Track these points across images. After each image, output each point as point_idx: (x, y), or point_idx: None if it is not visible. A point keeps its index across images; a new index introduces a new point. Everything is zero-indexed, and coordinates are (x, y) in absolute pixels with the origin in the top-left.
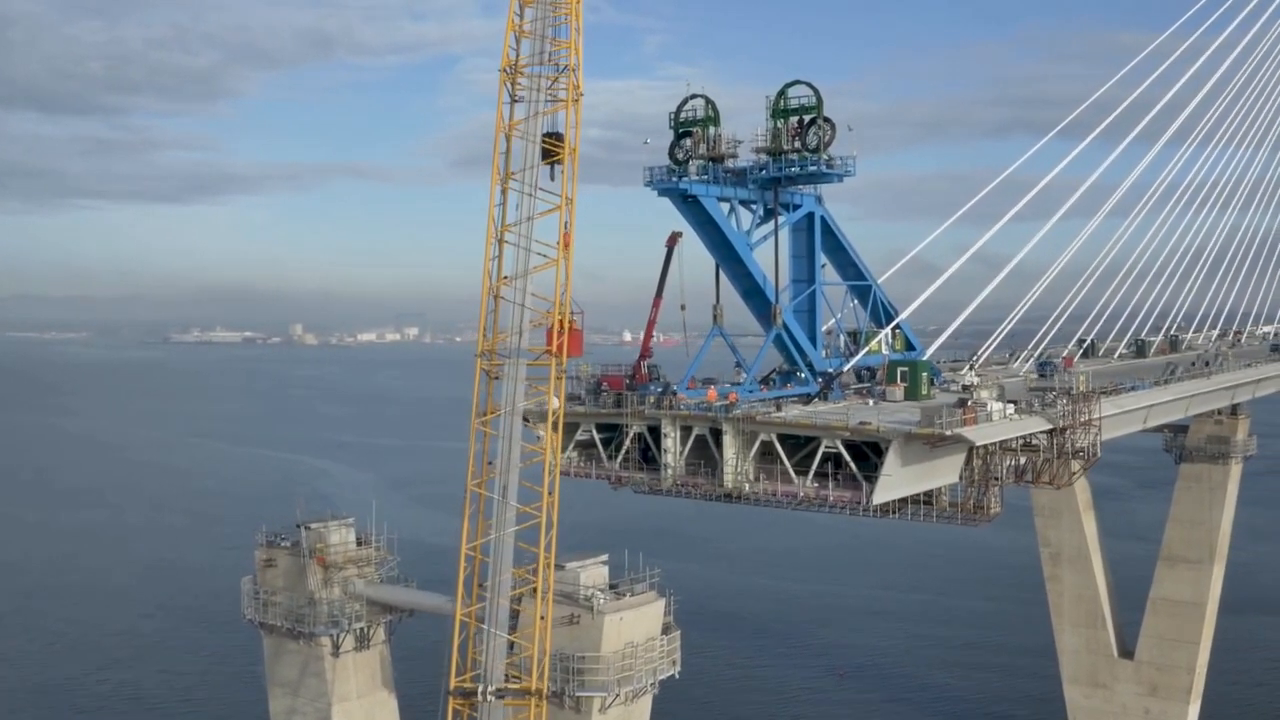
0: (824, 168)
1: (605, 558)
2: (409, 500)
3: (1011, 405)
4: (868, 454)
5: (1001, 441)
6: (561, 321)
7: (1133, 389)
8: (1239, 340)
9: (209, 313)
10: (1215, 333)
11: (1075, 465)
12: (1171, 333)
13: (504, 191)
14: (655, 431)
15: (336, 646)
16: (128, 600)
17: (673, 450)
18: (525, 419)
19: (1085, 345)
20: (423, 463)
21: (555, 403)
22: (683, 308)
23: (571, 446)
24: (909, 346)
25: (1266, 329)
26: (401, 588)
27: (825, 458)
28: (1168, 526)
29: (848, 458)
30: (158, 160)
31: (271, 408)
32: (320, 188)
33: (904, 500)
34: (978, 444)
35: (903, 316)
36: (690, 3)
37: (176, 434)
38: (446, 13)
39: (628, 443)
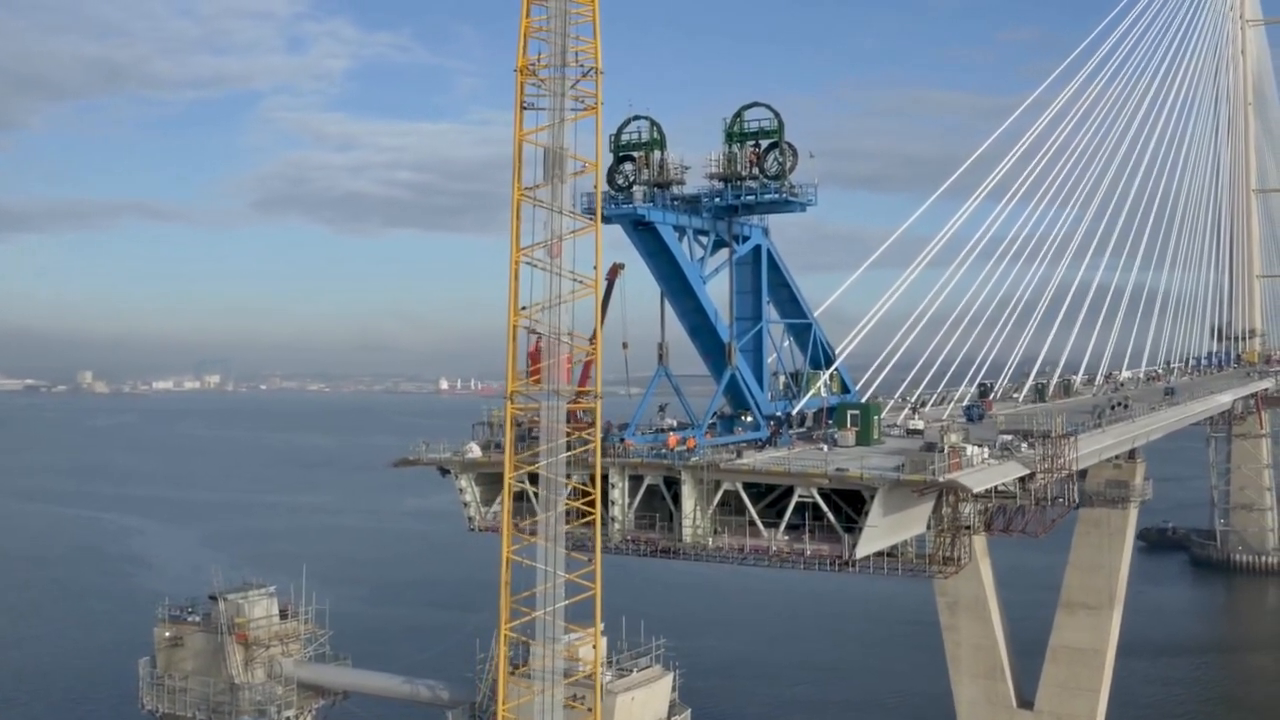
0: (788, 195)
1: (600, 628)
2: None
3: (985, 449)
4: (840, 504)
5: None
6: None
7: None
8: (1122, 385)
9: None
10: (1101, 377)
11: (1053, 512)
12: (1066, 378)
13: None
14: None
15: None
16: None
17: (620, 502)
18: (444, 470)
19: (984, 389)
20: (248, 518)
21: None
22: (625, 346)
23: (500, 500)
24: (845, 389)
25: (1126, 373)
26: (335, 667)
27: (797, 508)
28: (1067, 572)
29: (825, 508)
30: None
31: (64, 460)
32: (111, 227)
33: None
34: (975, 490)
35: (841, 359)
36: (503, 46)
37: None
38: (248, 47)
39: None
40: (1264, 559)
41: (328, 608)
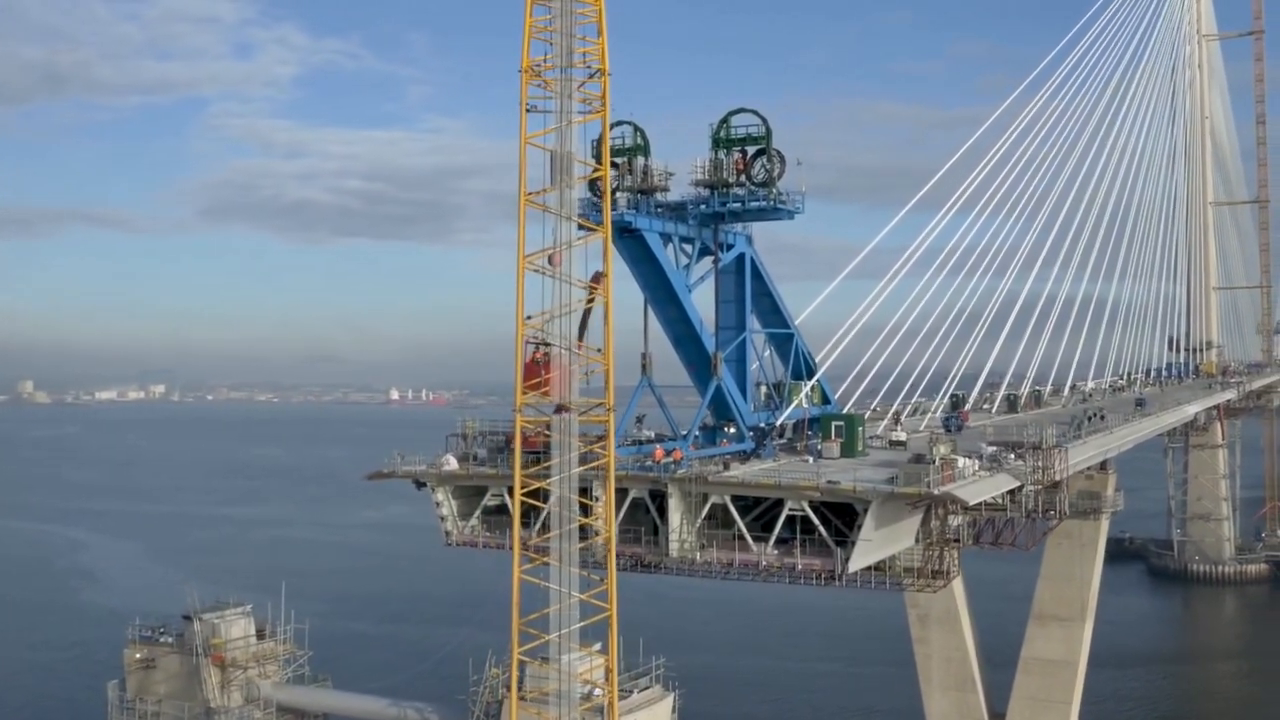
0: (776, 203)
1: (599, 646)
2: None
3: (975, 461)
4: (830, 518)
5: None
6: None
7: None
8: (1089, 396)
9: None
10: (1068, 388)
11: (1044, 525)
12: (1035, 389)
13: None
14: (583, 495)
15: None
16: None
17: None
18: (420, 483)
19: (956, 401)
20: (201, 532)
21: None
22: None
23: (478, 514)
24: (825, 400)
25: (1091, 384)
26: (316, 689)
27: (786, 522)
28: (1039, 584)
29: (816, 521)
30: None
31: (4, 472)
32: (54, 235)
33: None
34: (970, 503)
35: (824, 369)
36: (455, 54)
37: None
38: (195, 53)
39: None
40: (1220, 568)
41: (307, 627)
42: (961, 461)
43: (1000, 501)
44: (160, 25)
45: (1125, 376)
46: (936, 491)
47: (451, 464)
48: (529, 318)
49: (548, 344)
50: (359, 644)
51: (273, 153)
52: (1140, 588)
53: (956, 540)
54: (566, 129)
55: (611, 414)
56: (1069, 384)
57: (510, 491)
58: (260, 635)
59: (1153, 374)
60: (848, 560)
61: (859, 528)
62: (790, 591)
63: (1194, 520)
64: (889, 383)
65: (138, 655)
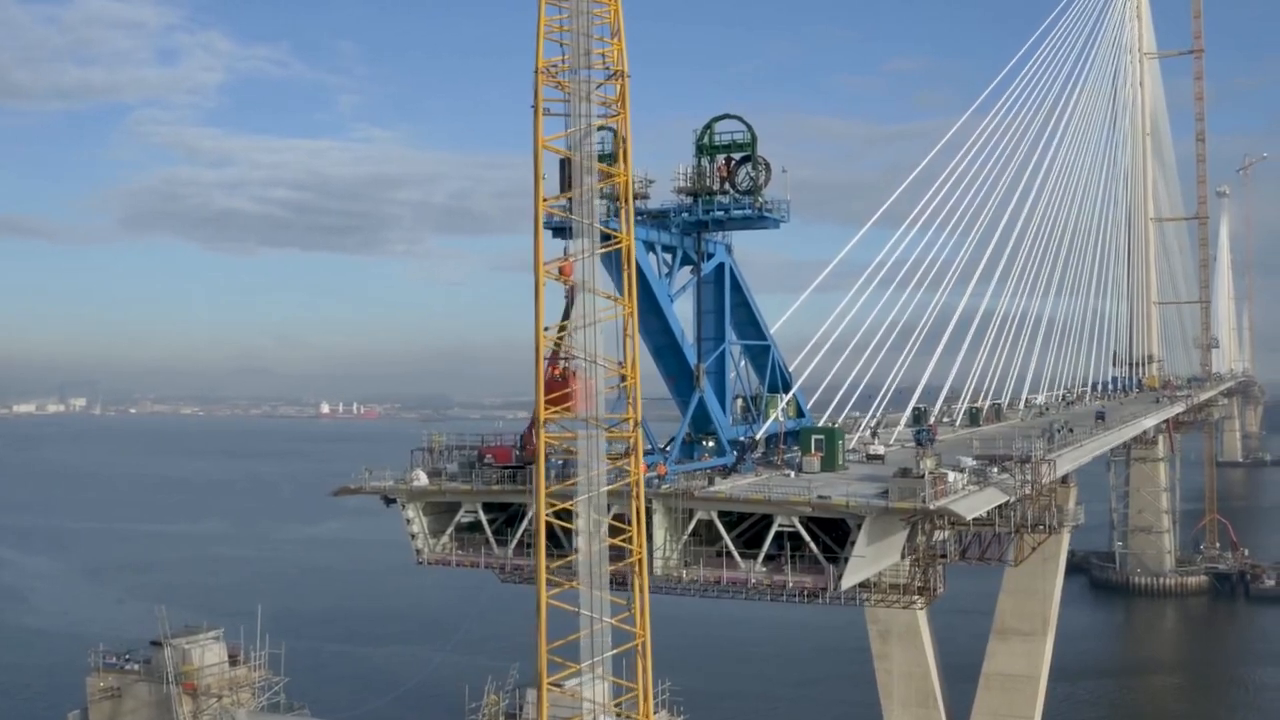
0: (763, 212)
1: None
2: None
3: (963, 475)
4: (818, 533)
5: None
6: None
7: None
8: (1045, 410)
9: None
10: (1023, 403)
11: (1034, 539)
12: (995, 403)
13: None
14: (563, 512)
15: None
16: None
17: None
18: (390, 499)
19: (918, 414)
20: (133, 549)
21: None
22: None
23: (451, 531)
24: (799, 413)
25: (1040, 398)
26: (293, 717)
27: (775, 538)
28: (1000, 599)
29: (806, 537)
30: None
31: None
32: None
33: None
34: (968, 518)
35: (800, 382)
36: (386, 63)
37: None
38: (117, 58)
39: (526, 525)
40: (1161, 581)
41: (283, 651)
42: (952, 475)
43: (987, 516)
44: (81, 29)
45: (1074, 390)
46: (932, 506)
47: (422, 479)
48: (545, 329)
49: (567, 358)
50: (329, 667)
51: (198, 161)
52: (1084, 600)
53: (943, 556)
54: (585, 132)
55: (638, 429)
56: (1023, 398)
57: (486, 508)
58: (233, 661)
59: (1099, 388)
60: (840, 577)
61: (852, 543)
62: (743, 607)
63: (1135, 533)
64: (838, 395)
65: (102, 684)
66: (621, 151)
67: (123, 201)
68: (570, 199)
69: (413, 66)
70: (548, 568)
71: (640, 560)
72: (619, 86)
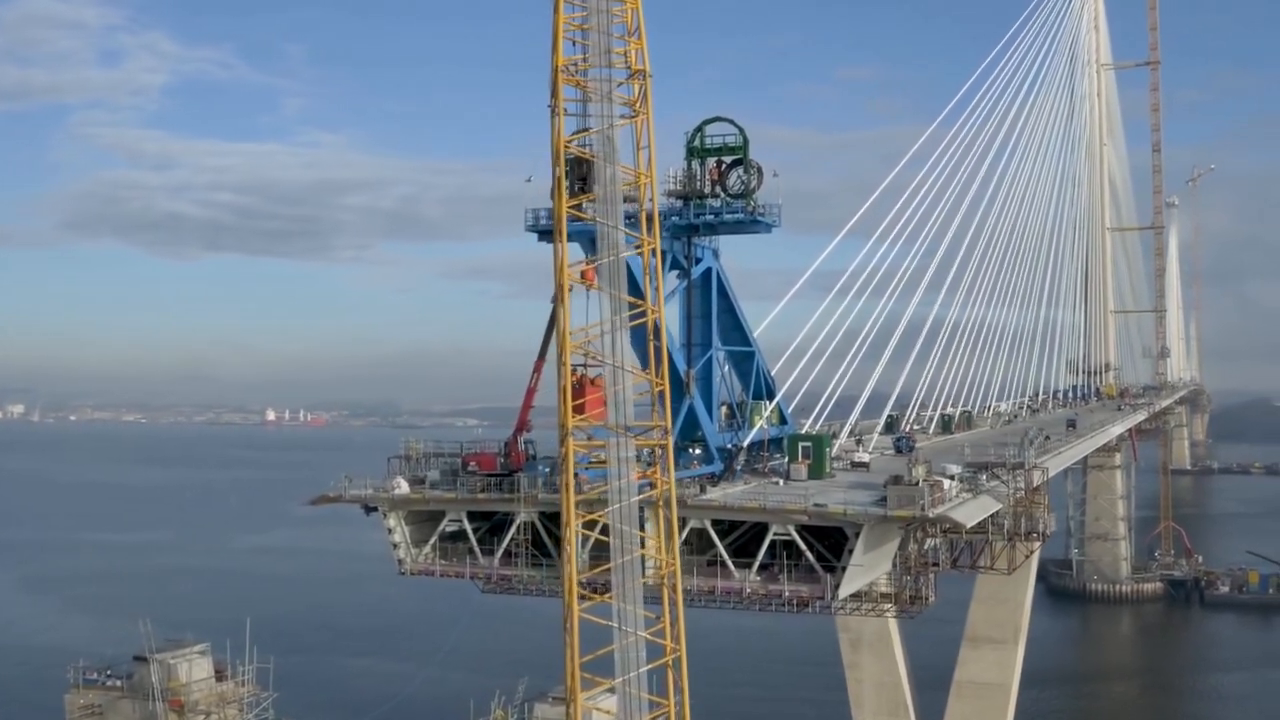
0: (756, 215)
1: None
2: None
3: (955, 483)
4: (812, 542)
5: (942, 525)
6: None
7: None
8: (1013, 418)
9: None
10: (990, 411)
11: (1027, 547)
12: (965, 410)
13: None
14: (551, 520)
15: None
16: None
17: (575, 541)
18: (370, 507)
19: (891, 422)
20: (76, 559)
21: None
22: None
23: (434, 540)
24: (782, 420)
25: (1004, 405)
26: None
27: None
28: (972, 607)
29: (802, 545)
30: None
31: None
32: None
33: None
34: (968, 526)
35: (785, 389)
36: (333, 66)
37: None
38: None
39: (512, 534)
40: (1118, 587)
41: (271, 665)
42: (947, 483)
43: (978, 523)
44: (19, 29)
45: (1038, 398)
46: (931, 514)
47: (403, 488)
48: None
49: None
50: (318, 681)
51: (141, 164)
52: (1041, 607)
53: (935, 564)
54: (611, 132)
55: (670, 436)
56: (990, 406)
57: (470, 516)
58: (220, 676)
59: (1060, 396)
60: (838, 586)
61: (849, 552)
62: (709, 614)
63: (1092, 540)
64: (818, 404)
65: (82, 700)
66: (644, 155)
67: (64, 204)
68: (582, 202)
69: (360, 70)
70: (540, 578)
71: (676, 571)
72: (638, 87)
